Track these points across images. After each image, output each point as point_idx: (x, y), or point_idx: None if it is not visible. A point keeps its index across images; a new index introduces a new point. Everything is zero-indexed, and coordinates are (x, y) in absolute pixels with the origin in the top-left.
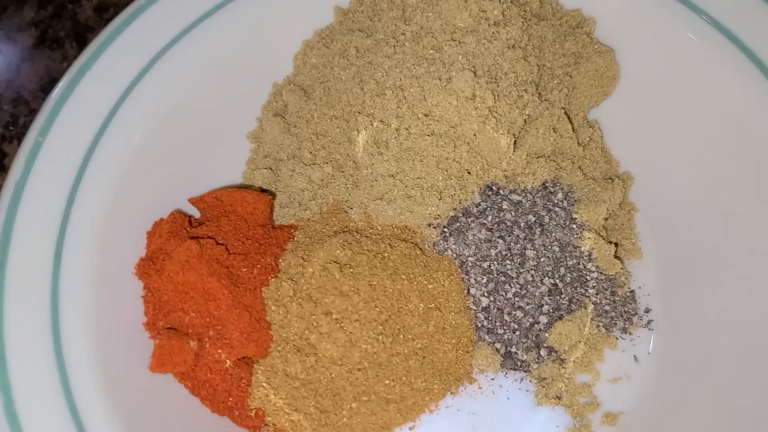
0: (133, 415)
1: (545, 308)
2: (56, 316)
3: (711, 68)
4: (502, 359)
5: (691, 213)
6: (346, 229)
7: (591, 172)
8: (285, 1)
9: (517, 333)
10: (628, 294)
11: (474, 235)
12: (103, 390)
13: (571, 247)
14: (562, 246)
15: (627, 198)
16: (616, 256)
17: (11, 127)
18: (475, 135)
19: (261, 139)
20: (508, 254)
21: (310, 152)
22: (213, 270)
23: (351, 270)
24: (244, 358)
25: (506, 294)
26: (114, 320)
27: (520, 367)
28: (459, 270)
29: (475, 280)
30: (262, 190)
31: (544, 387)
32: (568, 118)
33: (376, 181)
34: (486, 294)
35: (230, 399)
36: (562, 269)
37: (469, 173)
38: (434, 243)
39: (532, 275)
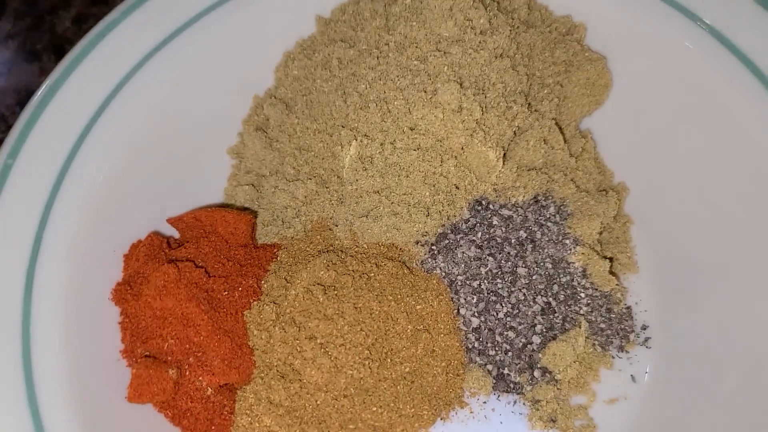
0: None
1: (538, 328)
2: (27, 345)
3: (706, 76)
4: (494, 381)
5: (688, 224)
6: (330, 248)
7: (584, 184)
8: (265, 11)
9: (510, 354)
10: (624, 311)
11: (463, 252)
12: (78, 423)
13: (564, 264)
14: (555, 262)
15: (622, 210)
16: (611, 272)
17: None
18: (462, 148)
19: (242, 154)
20: (499, 272)
21: (293, 167)
22: (192, 294)
23: (335, 292)
24: (226, 385)
25: (497, 314)
26: (89, 348)
27: (513, 389)
28: (448, 289)
29: (465, 299)
30: (245, 209)
31: (538, 410)
32: (559, 128)
33: (361, 197)
34: (476, 314)
35: (212, 428)
36: (555, 287)
37: (457, 188)
38: (422, 261)
39: (524, 294)
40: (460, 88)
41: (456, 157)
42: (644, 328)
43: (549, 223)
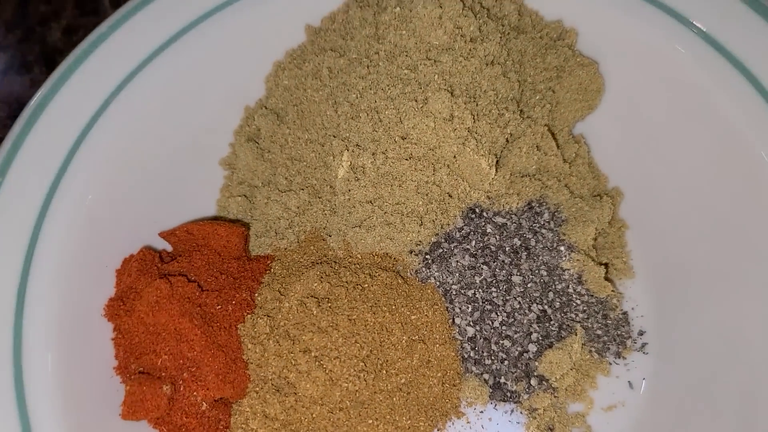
0: None
1: (534, 336)
2: (19, 362)
3: (699, 79)
4: (490, 391)
5: (684, 228)
6: (324, 259)
7: (578, 189)
8: (254, 21)
9: (506, 363)
10: (620, 316)
11: (457, 261)
12: None
13: (560, 271)
14: (550, 270)
15: (617, 215)
16: (606, 278)
17: None
18: (455, 157)
19: (234, 165)
20: (494, 281)
21: (285, 178)
22: (185, 309)
23: (329, 304)
24: (221, 399)
25: (493, 323)
26: (82, 365)
27: (510, 398)
28: (443, 299)
29: (460, 309)
30: (237, 220)
31: (535, 418)
32: (552, 134)
33: (353, 207)
34: (472, 323)
35: None
36: (551, 294)
37: (450, 196)
38: (416, 271)
39: (519, 302)
40: (450, 96)
41: (448, 165)
42: (641, 333)
43: (543, 230)
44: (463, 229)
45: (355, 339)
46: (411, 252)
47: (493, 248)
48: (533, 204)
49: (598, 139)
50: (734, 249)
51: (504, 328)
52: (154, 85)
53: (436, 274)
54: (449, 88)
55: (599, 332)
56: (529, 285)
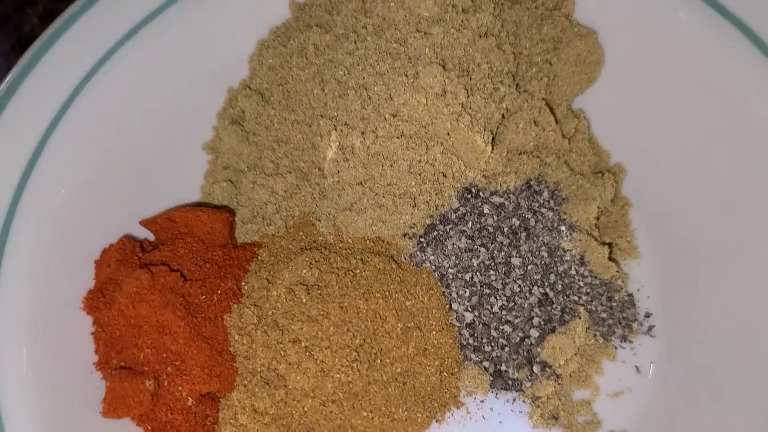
0: None
1: (535, 320)
2: None
3: (703, 46)
4: (491, 379)
5: (689, 205)
6: (313, 245)
7: (579, 166)
8: None
9: (507, 349)
10: (625, 298)
11: (453, 244)
12: None
13: (561, 252)
14: (551, 251)
15: (620, 192)
16: (610, 258)
17: None
18: (448, 134)
19: (218, 149)
20: (492, 263)
21: (272, 161)
22: (167, 300)
23: (319, 291)
24: (208, 394)
25: (492, 307)
26: (60, 361)
27: (512, 386)
28: (439, 283)
29: (457, 293)
30: (223, 206)
31: (539, 407)
32: (550, 109)
33: (343, 190)
34: (470, 308)
35: None
36: (552, 276)
37: (444, 176)
38: (411, 255)
39: (519, 285)
40: (442, 70)
41: (442, 143)
42: (647, 316)
43: (543, 209)
44: (458, 210)
45: (347, 327)
46: (405, 235)
47: (490, 229)
48: (532, 182)
49: (598, 113)
50: (744, 225)
51: (504, 312)
52: (131, 67)
53: (432, 257)
54: (441, 62)
55: (604, 315)
56: (529, 267)
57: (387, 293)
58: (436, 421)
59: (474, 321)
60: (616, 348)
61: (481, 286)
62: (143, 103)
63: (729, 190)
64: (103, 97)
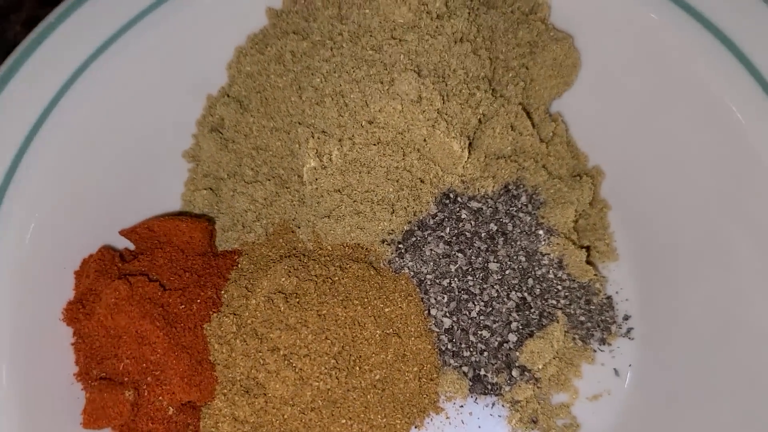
0: None
1: (514, 325)
2: None
3: (677, 48)
4: (470, 384)
5: (668, 207)
6: (293, 252)
7: (557, 170)
8: (213, 5)
9: (485, 354)
10: (604, 301)
11: (431, 249)
12: None
13: (539, 256)
14: (529, 255)
15: (598, 195)
16: (589, 261)
17: None
18: (425, 140)
19: (198, 157)
20: (470, 269)
21: (251, 169)
22: (145, 311)
23: (297, 300)
24: (189, 403)
25: (470, 313)
26: (39, 372)
27: (491, 390)
28: (417, 289)
29: (436, 299)
30: (204, 215)
31: (518, 411)
32: (527, 113)
33: (322, 197)
34: (448, 314)
35: None
36: (530, 281)
37: (422, 182)
38: (389, 261)
39: (497, 290)
40: (417, 77)
41: (419, 149)
42: (626, 318)
43: (521, 214)
44: (436, 216)
45: (325, 335)
46: (383, 241)
47: (468, 235)
48: (510, 187)
49: (576, 116)
50: (721, 227)
51: (482, 317)
52: (109, 76)
53: (410, 263)
54: (416, 69)
55: (582, 318)
56: (507, 272)
57: (365, 300)
58: (416, 427)
59: (452, 326)
60: (594, 351)
61: (459, 292)
62: (122, 111)
63: (707, 192)
64: (81, 106)
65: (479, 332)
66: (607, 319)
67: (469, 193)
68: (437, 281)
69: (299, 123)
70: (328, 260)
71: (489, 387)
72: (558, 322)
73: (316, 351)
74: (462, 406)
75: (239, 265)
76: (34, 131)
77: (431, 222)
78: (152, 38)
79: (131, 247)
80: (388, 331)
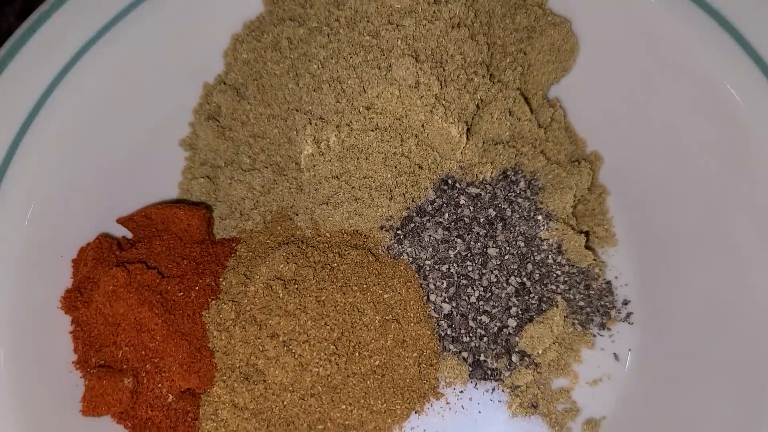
0: None
1: (513, 310)
2: None
3: (675, 31)
4: (470, 369)
5: (666, 192)
6: (291, 239)
7: (555, 155)
8: None
9: (485, 340)
10: (603, 286)
11: (430, 235)
12: None
13: (538, 241)
14: (528, 240)
15: (597, 180)
16: (587, 246)
17: None
18: (423, 126)
19: (195, 145)
20: (469, 254)
21: (249, 156)
22: (144, 298)
23: (296, 286)
24: (188, 390)
25: (469, 298)
26: (38, 361)
27: (491, 376)
28: (416, 275)
29: (435, 285)
30: (201, 203)
31: (518, 396)
32: (525, 99)
33: (320, 184)
34: (447, 300)
35: None
36: (529, 266)
37: (420, 168)
38: (388, 247)
39: (497, 275)
40: (415, 62)
41: (417, 135)
42: (626, 303)
43: (519, 199)
44: (435, 202)
45: (324, 321)
46: (382, 228)
47: (467, 220)
48: (508, 172)
49: (574, 102)
50: (720, 211)
51: (481, 303)
52: (105, 64)
53: (409, 249)
54: (413, 54)
55: (582, 303)
56: (506, 257)
57: (364, 286)
58: (416, 413)
59: (452, 312)
60: (594, 336)
61: (458, 277)
62: (118, 99)
63: (705, 177)
64: (77, 95)
65: (479, 317)
66: (607, 304)
67: (468, 178)
68: (436, 267)
69: (296, 110)
70: (326, 247)
71: (489, 372)
72: (557, 307)
73: (316, 337)
74: (462, 392)
75: (237, 253)
76: (29, 120)
77: (430, 208)
78: (148, 26)
79: (129, 235)
80: (387, 317)
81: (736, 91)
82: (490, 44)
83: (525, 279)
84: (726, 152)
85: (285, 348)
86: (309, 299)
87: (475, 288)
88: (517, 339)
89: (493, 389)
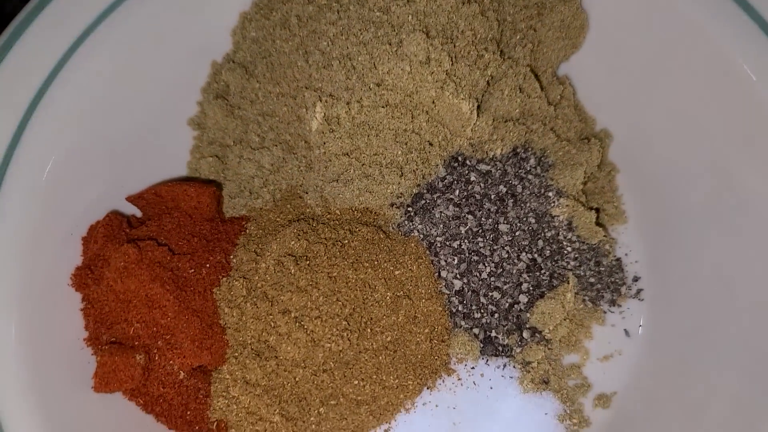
0: None
1: (524, 286)
2: None
3: (687, 8)
4: (481, 345)
5: (677, 169)
6: (301, 217)
7: (565, 132)
8: None
9: (496, 316)
10: (614, 263)
11: (441, 212)
12: (41, 418)
13: (549, 217)
14: (538, 217)
15: (606, 158)
16: (598, 223)
17: None
18: (433, 102)
19: (204, 124)
20: (480, 231)
21: (258, 135)
22: (155, 274)
23: (308, 262)
24: (199, 367)
25: (480, 274)
26: (50, 339)
27: (502, 352)
28: (427, 252)
29: (446, 261)
30: (210, 181)
31: (529, 372)
32: (536, 75)
33: (330, 161)
34: (458, 276)
35: (188, 413)
36: (540, 242)
37: (431, 144)
38: (398, 224)
39: (508, 251)
40: (426, 38)
41: (427, 111)
42: (636, 279)
43: (530, 176)
44: (445, 179)
45: (336, 297)
46: (392, 205)
47: (477, 197)
48: (518, 149)
49: (584, 79)
50: (730, 188)
51: (492, 279)
52: (112, 43)
53: (420, 226)
54: (424, 29)
55: (592, 280)
56: (517, 233)
57: (376, 263)
58: (428, 388)
59: (463, 288)
60: (605, 312)
61: (469, 254)
62: (127, 78)
63: (715, 154)
64: (85, 74)
65: (490, 293)
66: (617, 280)
67: (478, 155)
68: (447, 243)
69: (306, 87)
70: (337, 224)
71: (500, 348)
72: (569, 283)
73: (328, 313)
74: (473, 368)
75: (247, 231)
76: (38, 98)
77: (440, 185)
78: (156, 4)
79: (138, 214)
80: (398, 294)
81: (749, 68)
82: (500, 21)
83: (536, 255)
84: (737, 129)
85: (297, 324)
86: (321, 275)
87: (486, 264)
88: (528, 315)
89: (505, 365)
